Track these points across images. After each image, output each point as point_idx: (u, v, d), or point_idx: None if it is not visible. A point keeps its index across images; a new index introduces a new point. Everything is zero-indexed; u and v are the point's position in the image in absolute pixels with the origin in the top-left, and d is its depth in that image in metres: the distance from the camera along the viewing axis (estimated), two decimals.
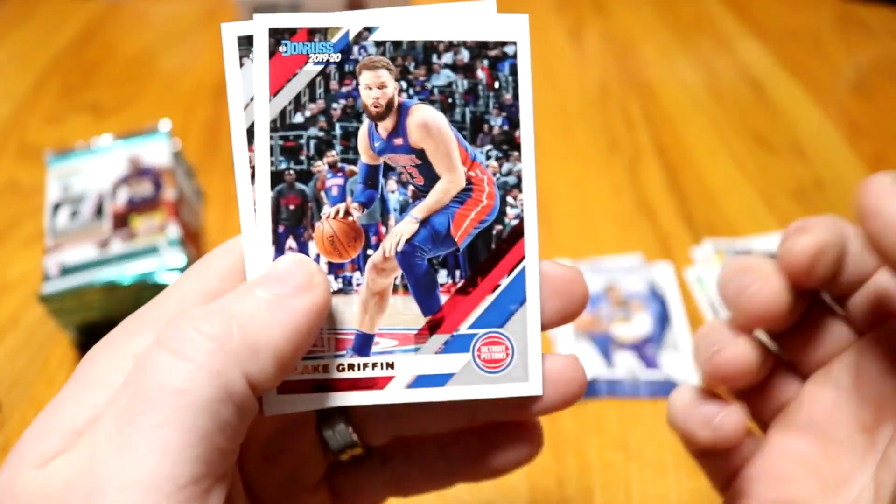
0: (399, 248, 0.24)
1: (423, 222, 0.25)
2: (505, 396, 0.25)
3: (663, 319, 0.51)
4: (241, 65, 0.24)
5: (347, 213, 0.24)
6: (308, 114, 0.24)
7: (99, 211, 0.51)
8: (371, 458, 0.28)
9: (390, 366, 0.24)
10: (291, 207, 0.24)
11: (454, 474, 0.27)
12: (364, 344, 0.24)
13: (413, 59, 0.24)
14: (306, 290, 0.21)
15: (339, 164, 0.24)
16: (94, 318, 0.49)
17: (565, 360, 0.25)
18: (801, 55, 0.84)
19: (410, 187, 0.25)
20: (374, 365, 0.24)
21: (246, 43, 0.24)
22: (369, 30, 0.24)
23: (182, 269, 0.48)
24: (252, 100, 0.24)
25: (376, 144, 0.24)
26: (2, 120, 0.77)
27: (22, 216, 0.63)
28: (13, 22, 0.97)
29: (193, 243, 0.53)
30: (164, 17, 0.97)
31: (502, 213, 0.25)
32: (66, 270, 0.48)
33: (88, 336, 0.50)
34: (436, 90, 0.24)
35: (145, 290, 0.48)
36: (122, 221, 0.51)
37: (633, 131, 0.73)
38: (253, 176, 0.24)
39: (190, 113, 0.77)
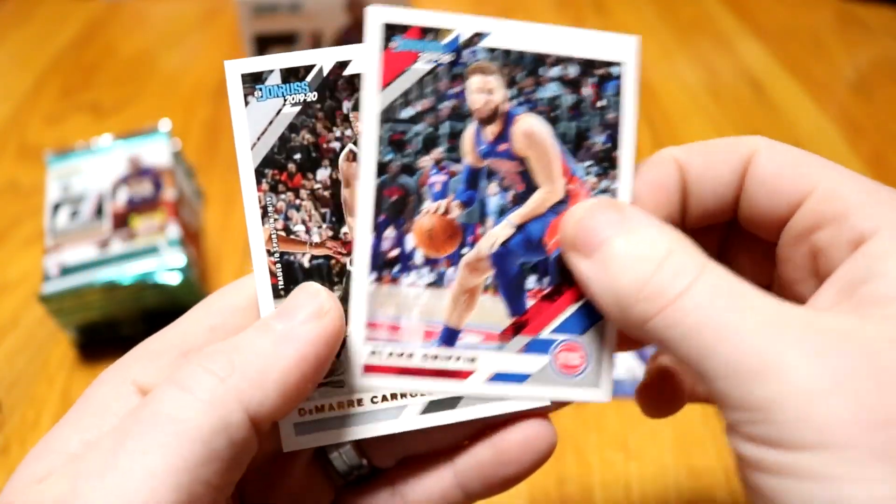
0: (494, 250, 0.25)
1: (519, 228, 0.25)
2: (576, 400, 0.25)
3: None
4: (247, 103, 0.24)
5: (447, 210, 0.25)
6: (419, 108, 0.24)
7: (99, 211, 0.51)
8: (381, 486, 0.28)
9: (472, 360, 0.25)
10: (393, 199, 0.24)
11: (470, 494, 0.27)
12: (450, 337, 0.25)
13: (522, 69, 0.24)
14: (316, 318, 0.22)
15: (444, 163, 0.25)
16: (94, 318, 0.49)
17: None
18: (801, 55, 0.84)
19: (510, 193, 0.25)
20: (458, 357, 0.25)
21: (251, 80, 0.24)
22: (480, 35, 0.24)
23: (182, 269, 0.48)
24: (259, 139, 0.24)
25: (481, 147, 0.25)
26: (2, 120, 0.77)
27: (22, 216, 0.63)
28: (13, 22, 0.97)
29: (193, 243, 0.53)
30: (164, 17, 0.97)
31: None
32: (66, 270, 0.48)
33: (88, 336, 0.50)
34: (542, 102, 0.25)
35: (145, 290, 0.48)
36: (122, 221, 0.51)
37: None
38: (264, 215, 0.24)
39: (190, 113, 0.77)
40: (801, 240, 0.23)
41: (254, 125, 0.24)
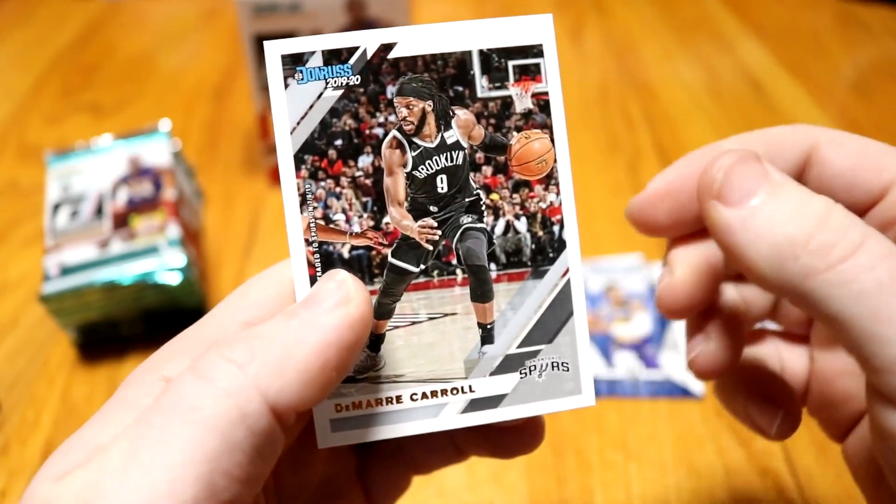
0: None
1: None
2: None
3: (663, 319, 0.51)
4: (287, 86, 0.23)
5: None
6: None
7: (99, 211, 0.51)
8: (389, 446, 0.29)
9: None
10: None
11: (466, 451, 0.28)
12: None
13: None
14: (341, 305, 0.21)
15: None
16: (94, 318, 0.49)
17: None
18: (801, 55, 0.84)
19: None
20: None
21: (291, 62, 0.23)
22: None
23: (182, 269, 0.48)
24: (299, 123, 0.23)
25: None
26: (2, 120, 0.77)
27: (22, 216, 0.63)
28: (13, 22, 0.97)
29: (193, 243, 0.53)
30: (164, 17, 0.97)
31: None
32: (66, 270, 0.48)
33: (88, 336, 0.50)
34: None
35: (145, 290, 0.48)
36: (122, 221, 0.51)
37: (633, 131, 0.73)
38: (303, 202, 0.23)
39: (190, 113, 0.77)
40: (887, 228, 0.24)
41: (293, 109, 0.23)
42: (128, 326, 0.50)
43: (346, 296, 0.21)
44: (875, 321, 0.19)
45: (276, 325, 0.21)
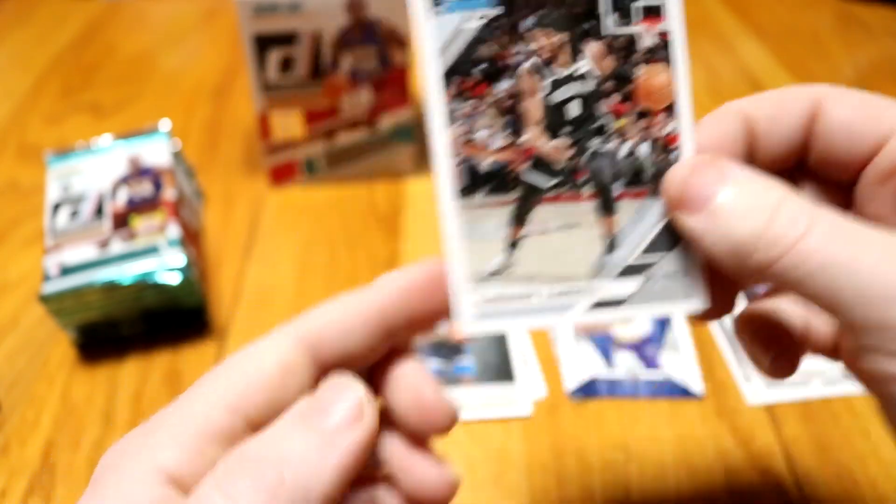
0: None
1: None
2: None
3: (663, 319, 0.51)
4: (431, 16, 0.25)
5: None
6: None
7: (99, 211, 0.51)
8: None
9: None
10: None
11: None
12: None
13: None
14: (356, 420, 0.22)
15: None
16: (94, 318, 0.49)
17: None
18: (801, 55, 0.84)
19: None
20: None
21: None
22: None
23: (182, 269, 0.48)
24: (443, 51, 0.25)
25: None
26: (2, 120, 0.77)
27: (22, 216, 0.63)
28: (13, 22, 0.97)
29: (193, 243, 0.53)
30: (164, 17, 0.97)
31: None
32: (66, 270, 0.48)
33: (88, 336, 0.50)
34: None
35: (145, 290, 0.48)
36: (122, 221, 0.51)
37: None
38: (449, 120, 0.25)
39: (190, 113, 0.77)
40: (888, 178, 0.25)
41: (437, 38, 0.25)
42: (128, 326, 0.50)
43: (360, 411, 0.23)
44: (832, 293, 0.21)
45: (296, 443, 0.21)
